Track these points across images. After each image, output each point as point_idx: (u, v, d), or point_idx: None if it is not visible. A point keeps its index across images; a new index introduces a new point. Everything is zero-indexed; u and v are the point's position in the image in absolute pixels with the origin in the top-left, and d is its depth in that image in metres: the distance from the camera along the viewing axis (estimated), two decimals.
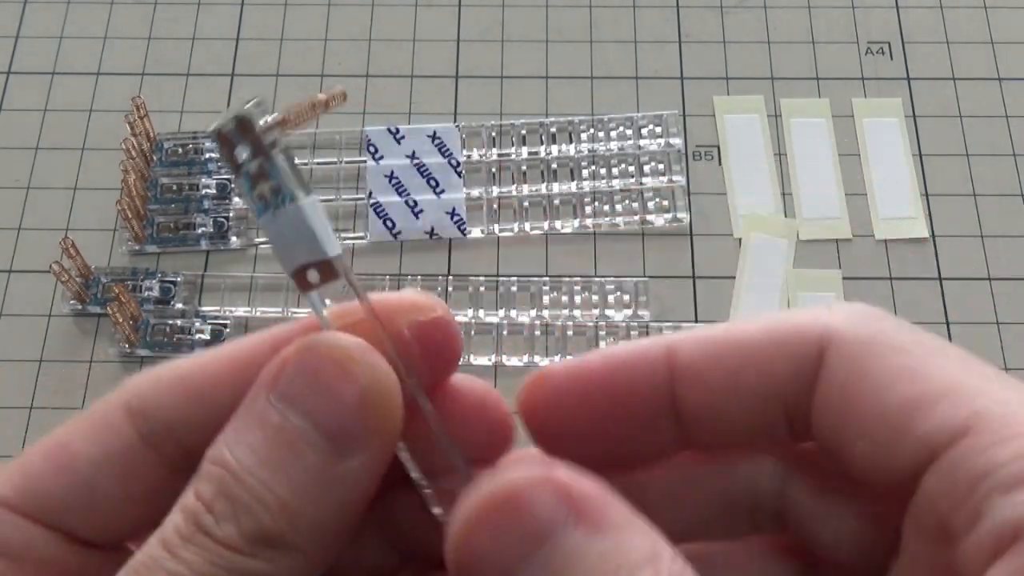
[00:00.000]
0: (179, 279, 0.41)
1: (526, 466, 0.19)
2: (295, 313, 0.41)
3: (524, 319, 0.41)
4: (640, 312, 0.41)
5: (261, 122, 0.20)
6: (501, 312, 0.41)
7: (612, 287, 0.42)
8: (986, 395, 0.19)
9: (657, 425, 0.22)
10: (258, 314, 0.41)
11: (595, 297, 0.42)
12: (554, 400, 0.22)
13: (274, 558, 0.19)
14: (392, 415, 0.20)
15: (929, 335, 0.21)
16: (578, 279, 0.42)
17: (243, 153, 0.20)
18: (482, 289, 0.42)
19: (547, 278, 0.42)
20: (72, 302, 0.41)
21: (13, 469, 0.22)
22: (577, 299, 0.42)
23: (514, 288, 0.42)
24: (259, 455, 0.20)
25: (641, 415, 0.21)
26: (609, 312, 0.41)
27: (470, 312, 0.41)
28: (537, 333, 0.41)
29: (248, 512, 0.19)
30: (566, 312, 0.41)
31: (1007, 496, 0.17)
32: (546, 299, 0.42)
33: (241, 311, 0.41)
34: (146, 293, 0.41)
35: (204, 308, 0.41)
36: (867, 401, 0.20)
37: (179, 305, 0.41)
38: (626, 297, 0.41)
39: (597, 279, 0.42)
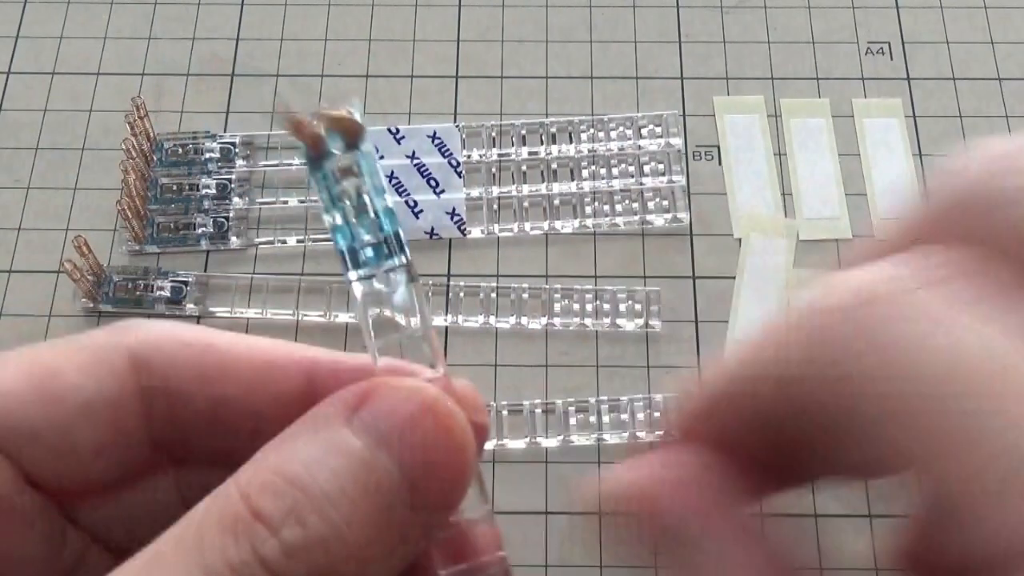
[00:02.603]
0: (191, 279, 0.42)
1: None
2: (306, 316, 0.41)
3: (535, 326, 0.42)
4: (651, 322, 0.41)
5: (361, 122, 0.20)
6: (512, 319, 0.41)
7: (623, 296, 0.42)
8: None
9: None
10: (269, 316, 0.41)
11: (606, 306, 0.41)
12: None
13: None
14: (468, 482, 0.19)
15: None
16: (589, 288, 0.42)
17: (337, 147, 0.20)
18: (493, 295, 0.42)
19: (558, 285, 0.42)
20: (83, 300, 0.41)
21: None
22: (589, 307, 0.41)
23: (525, 295, 0.42)
24: (342, 485, 0.18)
25: None
26: (620, 321, 0.41)
27: (480, 318, 0.42)
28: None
29: (321, 548, 0.17)
30: (576, 320, 0.41)
31: None
32: (557, 307, 0.42)
33: (252, 312, 0.41)
34: (157, 293, 0.41)
35: (213, 309, 0.41)
36: None
37: (190, 306, 0.41)
38: (637, 306, 0.41)
39: (608, 288, 0.42)
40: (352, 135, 0.20)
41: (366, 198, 0.20)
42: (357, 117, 0.20)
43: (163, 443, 0.21)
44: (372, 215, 0.20)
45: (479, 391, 0.21)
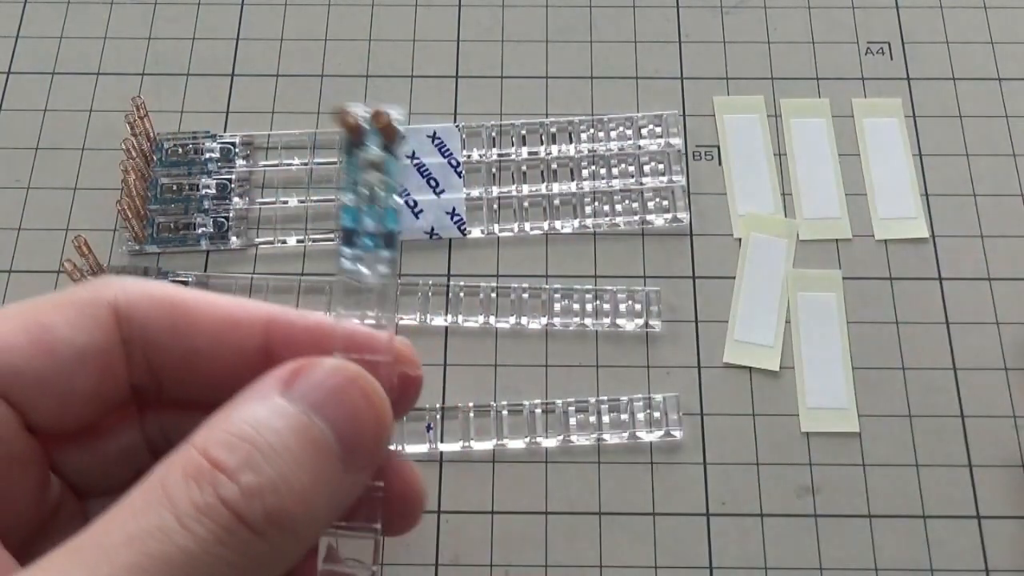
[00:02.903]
0: (191, 280, 0.42)
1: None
2: None
3: (535, 326, 0.42)
4: (651, 322, 0.41)
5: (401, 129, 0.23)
6: (512, 319, 0.42)
7: (623, 296, 0.42)
8: None
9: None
10: None
11: (606, 306, 0.41)
12: None
13: (280, 543, 0.20)
14: (386, 447, 0.23)
15: None
16: (589, 288, 0.42)
17: (374, 143, 0.23)
18: (493, 295, 0.42)
19: (558, 285, 0.42)
20: None
21: None
22: (588, 307, 0.41)
23: (525, 295, 0.42)
24: (285, 443, 0.20)
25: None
26: (620, 321, 0.41)
27: (480, 318, 0.42)
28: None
29: (275, 491, 0.20)
30: (576, 320, 0.41)
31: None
32: (557, 307, 0.42)
33: None
34: None
35: None
36: None
37: None
38: (637, 306, 0.41)
39: (608, 288, 0.42)
40: (389, 137, 0.23)
41: (381, 193, 0.23)
42: (398, 125, 0.23)
43: (140, 390, 0.24)
44: (380, 209, 0.23)
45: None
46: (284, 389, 0.21)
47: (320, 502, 0.21)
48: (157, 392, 0.24)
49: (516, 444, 0.39)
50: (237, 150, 0.44)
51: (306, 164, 0.44)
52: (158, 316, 0.23)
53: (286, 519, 0.20)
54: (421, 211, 0.43)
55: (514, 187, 0.44)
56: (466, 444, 0.39)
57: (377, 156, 0.23)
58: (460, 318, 0.41)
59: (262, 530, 0.19)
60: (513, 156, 0.45)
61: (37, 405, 0.22)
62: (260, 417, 0.21)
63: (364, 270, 0.23)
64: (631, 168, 0.44)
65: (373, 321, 0.23)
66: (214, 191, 0.44)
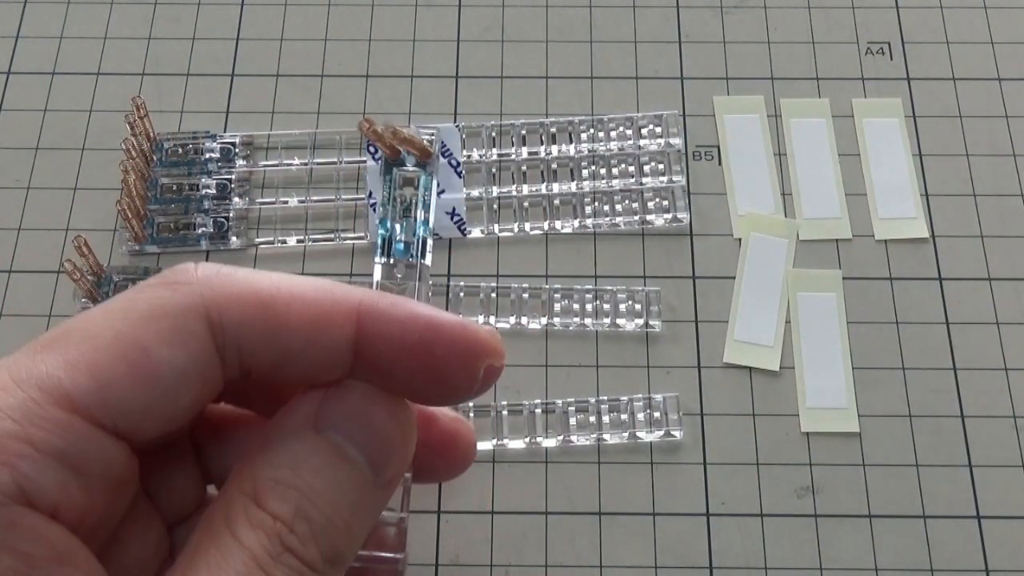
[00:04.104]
0: None
1: None
2: None
3: (535, 326, 0.42)
4: (651, 322, 0.41)
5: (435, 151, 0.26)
6: (512, 319, 0.42)
7: (623, 296, 0.42)
8: None
9: None
10: None
11: (606, 306, 0.41)
12: None
13: (334, 572, 0.22)
14: (412, 452, 0.24)
15: None
16: (589, 288, 0.42)
17: (410, 162, 0.26)
18: (493, 295, 0.42)
19: (558, 285, 0.42)
20: (84, 300, 0.41)
21: (79, 366, 0.21)
22: (588, 307, 0.41)
23: (525, 295, 0.42)
24: (325, 480, 0.22)
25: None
26: (620, 321, 0.41)
27: (480, 318, 0.42)
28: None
29: (324, 534, 0.22)
30: (576, 320, 0.41)
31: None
32: (557, 307, 0.42)
33: None
34: None
35: None
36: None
37: None
38: (637, 306, 0.41)
39: (608, 288, 0.42)
40: (422, 157, 0.26)
41: (413, 206, 0.25)
42: (430, 146, 0.26)
43: (233, 388, 0.24)
44: (412, 219, 0.25)
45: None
46: (316, 422, 0.23)
47: (360, 528, 0.23)
48: (245, 390, 0.25)
49: (516, 444, 0.39)
50: (237, 150, 0.44)
51: (306, 164, 0.44)
52: (251, 321, 0.22)
53: (337, 555, 0.22)
54: None
55: (514, 187, 0.44)
56: None
57: (411, 172, 0.26)
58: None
59: (323, 570, 0.22)
60: (513, 156, 0.45)
61: (143, 433, 0.22)
62: (299, 457, 0.22)
63: (399, 275, 0.25)
64: (631, 168, 0.44)
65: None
66: (214, 191, 0.44)
